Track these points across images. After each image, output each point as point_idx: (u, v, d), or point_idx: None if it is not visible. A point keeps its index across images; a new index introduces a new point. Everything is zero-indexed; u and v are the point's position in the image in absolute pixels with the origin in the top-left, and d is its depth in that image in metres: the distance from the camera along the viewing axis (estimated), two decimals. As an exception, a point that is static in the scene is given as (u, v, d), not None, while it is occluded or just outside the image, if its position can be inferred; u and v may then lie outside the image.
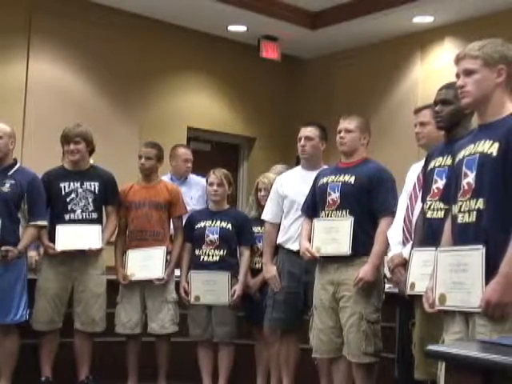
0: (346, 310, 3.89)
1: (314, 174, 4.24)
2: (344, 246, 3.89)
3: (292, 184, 4.47)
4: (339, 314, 3.93)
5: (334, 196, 3.96)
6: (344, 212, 3.94)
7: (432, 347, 1.85)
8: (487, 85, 2.54)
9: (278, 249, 4.54)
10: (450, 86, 3.26)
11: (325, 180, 4.06)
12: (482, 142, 2.52)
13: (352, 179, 3.97)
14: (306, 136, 4.43)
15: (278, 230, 4.53)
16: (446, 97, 3.26)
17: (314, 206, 4.12)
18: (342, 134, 4.07)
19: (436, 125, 3.37)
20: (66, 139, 4.67)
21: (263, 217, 4.63)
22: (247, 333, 4.86)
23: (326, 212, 3.99)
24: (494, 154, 2.46)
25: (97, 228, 4.66)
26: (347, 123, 4.08)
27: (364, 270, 3.86)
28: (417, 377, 3.36)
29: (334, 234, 3.93)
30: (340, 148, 4.09)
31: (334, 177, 4.03)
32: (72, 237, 4.58)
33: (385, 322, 4.41)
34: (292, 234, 4.37)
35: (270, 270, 4.47)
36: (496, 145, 2.46)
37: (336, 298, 3.93)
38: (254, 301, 4.70)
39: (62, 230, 4.58)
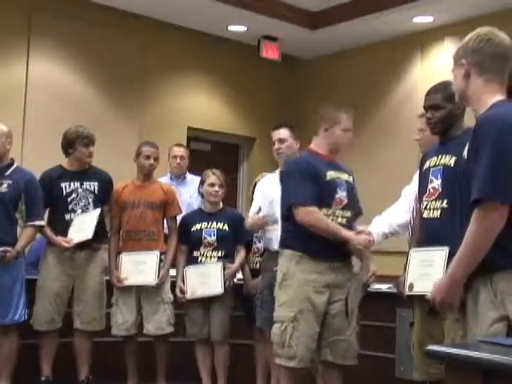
0: (350, 311, 3.74)
1: None
2: None
3: (275, 187, 4.30)
4: (332, 318, 3.71)
5: (342, 195, 3.78)
6: (349, 212, 3.80)
7: (432, 347, 1.84)
8: (458, 82, 2.52)
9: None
10: (436, 90, 3.25)
11: (334, 175, 3.80)
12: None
13: (351, 179, 3.90)
14: (279, 139, 4.44)
15: None
16: (435, 102, 3.24)
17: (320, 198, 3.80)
18: (351, 135, 3.93)
19: (430, 131, 3.37)
20: (88, 141, 4.67)
21: (248, 220, 4.60)
22: (247, 333, 4.86)
23: (334, 210, 3.76)
24: (465, 155, 2.46)
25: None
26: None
27: (370, 263, 3.88)
28: (416, 377, 3.35)
29: None
30: (342, 148, 3.94)
31: (334, 172, 3.82)
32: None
33: (385, 322, 4.42)
34: (277, 235, 4.20)
35: None
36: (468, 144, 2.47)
37: (329, 302, 3.71)
38: (254, 301, 4.70)
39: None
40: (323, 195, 3.74)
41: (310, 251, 3.69)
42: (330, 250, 3.68)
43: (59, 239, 4.55)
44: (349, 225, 3.79)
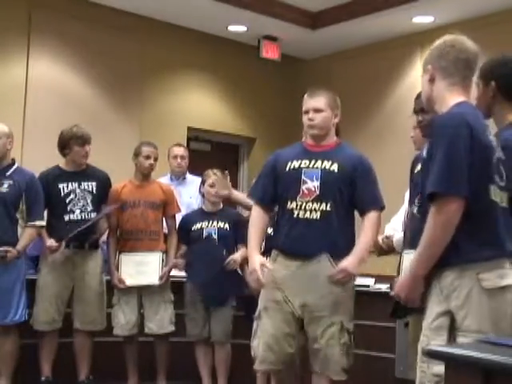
0: (323, 319, 3.37)
1: None
2: None
3: None
4: (309, 325, 3.40)
5: (312, 185, 3.42)
6: (324, 204, 3.39)
7: (432, 347, 1.85)
8: (425, 87, 2.60)
9: None
10: None
11: (296, 164, 3.48)
12: None
13: (335, 167, 3.47)
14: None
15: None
16: (424, 105, 3.26)
17: (273, 194, 3.54)
18: (310, 116, 3.50)
19: (422, 134, 3.39)
20: (82, 140, 4.65)
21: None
22: (247, 333, 4.85)
23: (299, 203, 3.42)
24: (424, 155, 2.52)
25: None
26: (314, 101, 3.53)
27: (349, 260, 3.35)
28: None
29: None
30: (310, 132, 3.54)
31: (307, 161, 3.48)
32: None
33: (385, 322, 4.41)
34: None
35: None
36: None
37: (301, 304, 3.40)
38: (255, 301, 4.70)
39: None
40: (285, 187, 3.48)
41: (282, 249, 3.46)
42: (300, 248, 3.40)
43: (47, 241, 4.54)
44: (326, 219, 3.39)
